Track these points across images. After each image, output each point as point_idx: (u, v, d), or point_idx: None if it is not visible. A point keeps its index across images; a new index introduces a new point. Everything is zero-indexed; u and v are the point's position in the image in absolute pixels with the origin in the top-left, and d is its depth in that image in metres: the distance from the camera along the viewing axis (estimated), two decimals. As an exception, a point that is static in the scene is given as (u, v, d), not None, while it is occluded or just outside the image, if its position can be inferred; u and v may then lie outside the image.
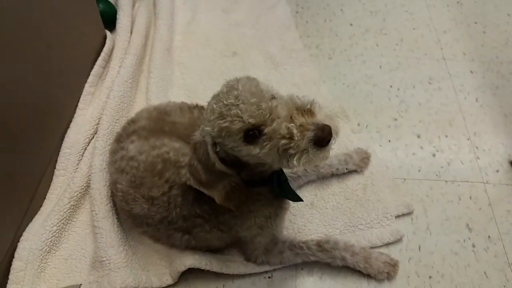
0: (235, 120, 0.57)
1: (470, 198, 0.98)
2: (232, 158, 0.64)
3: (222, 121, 0.58)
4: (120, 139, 0.86)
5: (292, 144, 0.55)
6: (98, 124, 1.03)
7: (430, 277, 0.87)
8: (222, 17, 1.40)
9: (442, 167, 1.04)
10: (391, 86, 1.21)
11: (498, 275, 0.87)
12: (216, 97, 0.62)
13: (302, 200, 0.76)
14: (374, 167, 1.01)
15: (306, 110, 0.57)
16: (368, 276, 0.85)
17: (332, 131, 0.56)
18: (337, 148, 1.05)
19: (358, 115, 1.14)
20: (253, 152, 0.59)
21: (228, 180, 0.65)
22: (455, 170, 1.03)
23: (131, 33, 1.26)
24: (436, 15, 1.41)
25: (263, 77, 1.21)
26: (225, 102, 0.58)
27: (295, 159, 0.56)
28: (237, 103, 0.57)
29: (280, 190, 0.73)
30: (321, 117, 0.57)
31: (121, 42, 1.21)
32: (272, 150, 0.57)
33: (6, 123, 0.79)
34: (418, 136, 1.10)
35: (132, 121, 0.89)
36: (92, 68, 1.13)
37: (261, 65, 1.25)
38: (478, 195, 0.99)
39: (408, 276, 0.86)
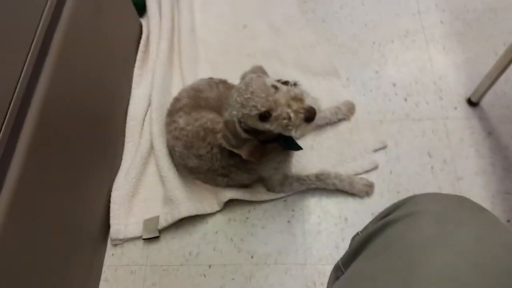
0: (253, 108, 0.90)
1: (432, 131, 1.31)
2: (251, 129, 0.98)
3: (244, 109, 0.91)
4: (171, 114, 1.20)
5: (291, 123, 0.88)
6: (150, 99, 1.38)
7: (398, 192, 1.23)
8: (232, -10, 1.65)
9: (411, 109, 1.35)
10: (373, 43, 1.49)
11: (449, 188, 1.22)
12: (238, 91, 0.93)
13: (302, 149, 1.10)
14: (358, 113, 1.34)
15: (298, 98, 0.89)
16: (353, 194, 1.22)
17: (316, 110, 0.88)
18: (330, 101, 1.36)
19: (347, 71, 1.44)
20: (266, 127, 0.93)
21: (250, 143, 1.00)
22: (422, 110, 1.34)
23: (160, 18, 1.55)
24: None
25: (269, 46, 1.50)
26: (244, 96, 0.90)
27: (293, 131, 0.89)
28: (253, 97, 0.90)
29: (285, 144, 1.07)
30: (308, 101, 0.89)
31: (154, 28, 1.51)
32: (278, 126, 0.90)
33: (90, 109, 1.15)
34: (394, 85, 1.40)
35: (177, 99, 1.22)
36: (136, 54, 1.45)
37: (267, 35, 1.53)
38: (439, 128, 1.31)
39: (382, 192, 1.23)
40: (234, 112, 0.95)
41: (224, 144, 1.03)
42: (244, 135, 0.97)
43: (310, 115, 0.87)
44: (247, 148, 1.01)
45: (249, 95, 0.90)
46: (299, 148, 1.09)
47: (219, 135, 1.09)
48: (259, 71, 1.07)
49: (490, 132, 1.29)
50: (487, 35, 1.47)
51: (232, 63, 1.48)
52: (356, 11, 1.55)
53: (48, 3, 0.96)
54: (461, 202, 0.54)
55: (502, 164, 1.25)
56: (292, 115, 0.87)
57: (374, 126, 1.31)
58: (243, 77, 1.04)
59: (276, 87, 0.92)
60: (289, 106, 0.87)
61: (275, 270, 1.16)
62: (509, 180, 1.22)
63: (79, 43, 1.09)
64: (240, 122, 0.96)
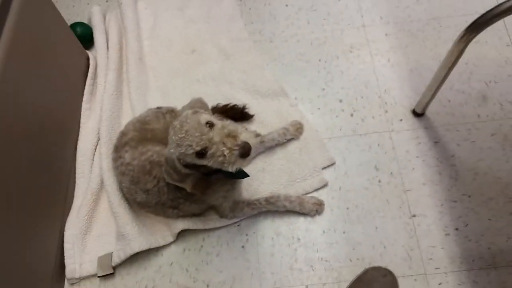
0: (188, 147, 0.91)
1: (378, 145, 1.33)
2: (192, 164, 0.99)
3: (179, 148, 0.92)
4: (117, 150, 1.20)
5: (226, 160, 0.89)
6: (98, 133, 1.38)
7: (347, 208, 1.25)
8: (179, 16, 1.66)
9: (357, 124, 1.37)
10: (319, 60, 1.51)
11: (397, 200, 1.25)
12: (174, 129, 0.94)
13: (248, 176, 1.12)
14: (307, 132, 1.35)
15: (232, 135, 0.89)
16: (304, 213, 1.24)
17: (251, 145, 0.89)
18: (279, 121, 1.38)
19: (295, 90, 1.46)
20: (204, 163, 0.94)
21: (193, 177, 1.01)
22: (367, 125, 1.37)
23: (107, 49, 1.55)
24: (358, -17, 1.65)
25: (218, 69, 1.52)
26: (179, 136, 0.91)
27: (229, 167, 0.90)
28: (187, 136, 0.90)
29: (230, 175, 1.08)
30: (243, 137, 0.89)
31: (101, 60, 1.51)
32: (215, 162, 0.91)
33: (36, 148, 1.15)
34: (340, 101, 1.42)
35: (123, 134, 1.22)
36: (84, 87, 1.45)
37: (216, 58, 1.54)
38: (385, 142, 1.34)
39: (332, 209, 1.25)
40: (172, 150, 0.96)
41: (167, 179, 1.04)
42: (184, 170, 0.98)
43: (244, 151, 0.88)
44: (190, 181, 1.01)
45: (183, 134, 0.91)
46: (245, 176, 1.10)
47: (162, 170, 1.10)
48: (198, 104, 1.08)
49: (436, 141, 1.33)
50: (432, 44, 1.51)
51: (182, 89, 1.49)
52: (301, 30, 1.58)
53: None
54: None
55: (449, 172, 1.28)
56: (226, 152, 0.88)
57: (322, 144, 1.33)
58: (182, 111, 1.05)
59: (211, 124, 0.92)
60: (223, 143, 0.88)
61: (231, 298, 1.17)
62: (456, 188, 1.25)
63: (20, 80, 1.09)
64: (179, 159, 0.97)
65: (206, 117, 0.94)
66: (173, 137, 0.94)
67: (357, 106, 1.41)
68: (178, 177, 1.01)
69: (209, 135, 0.90)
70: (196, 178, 1.02)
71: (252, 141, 0.90)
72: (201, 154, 0.91)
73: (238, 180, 1.17)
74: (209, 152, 0.90)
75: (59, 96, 1.31)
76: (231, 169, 0.90)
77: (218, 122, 0.95)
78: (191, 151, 0.91)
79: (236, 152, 0.88)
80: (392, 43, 1.52)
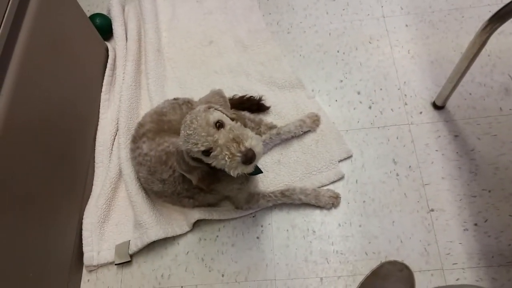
0: (194, 145, 0.90)
1: (397, 138, 1.32)
2: (199, 158, 0.98)
3: (187, 144, 0.92)
4: (135, 140, 1.22)
5: (227, 164, 0.88)
6: (117, 123, 1.40)
7: (364, 201, 1.24)
8: (197, 7, 1.66)
9: (376, 116, 1.36)
10: (338, 51, 1.49)
11: (414, 194, 1.23)
12: (184, 124, 0.94)
13: (261, 172, 1.11)
14: (324, 124, 1.34)
15: (237, 140, 0.87)
16: (319, 206, 1.24)
17: (255, 152, 0.87)
18: (296, 113, 1.38)
19: (312, 82, 1.45)
20: (209, 161, 0.93)
21: (200, 170, 1.01)
22: (386, 117, 1.35)
23: (126, 40, 1.57)
24: (378, -27, 1.62)
25: (235, 60, 1.52)
26: (188, 132, 0.91)
27: (230, 171, 0.89)
28: (194, 134, 0.90)
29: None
30: (248, 143, 0.87)
31: (120, 51, 1.53)
32: (218, 164, 0.91)
33: (57, 138, 1.17)
34: (358, 93, 1.40)
35: (141, 125, 1.24)
36: (103, 78, 1.47)
37: (233, 49, 1.54)
38: (404, 135, 1.32)
39: (348, 203, 1.24)
40: (181, 143, 0.96)
41: (177, 169, 1.05)
42: (192, 163, 0.98)
43: (246, 159, 0.86)
44: (197, 175, 1.01)
45: (191, 132, 0.91)
46: (258, 172, 1.09)
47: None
48: (216, 97, 1.07)
49: (456, 134, 1.30)
50: (453, 35, 1.47)
51: (200, 80, 1.50)
52: (320, 20, 1.56)
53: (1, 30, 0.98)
54: None
55: (469, 167, 1.25)
56: (227, 158, 0.87)
57: (339, 136, 1.32)
58: (198, 103, 1.05)
59: (220, 124, 0.92)
60: (227, 147, 0.87)
61: (246, 288, 1.18)
62: (475, 183, 1.22)
63: (39, 72, 1.11)
64: (187, 152, 0.97)
65: (217, 115, 0.93)
66: (183, 132, 0.94)
67: (375, 98, 1.39)
68: (187, 168, 1.01)
69: (214, 136, 0.89)
70: (202, 172, 1.01)
71: (258, 149, 0.88)
72: (207, 152, 0.91)
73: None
74: (212, 153, 0.90)
75: (79, 86, 1.33)
76: (233, 173, 0.89)
77: (229, 123, 0.94)
78: (196, 149, 0.91)
79: (238, 159, 0.86)
80: (412, 34, 1.49)
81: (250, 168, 0.89)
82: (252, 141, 0.88)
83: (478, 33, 1.03)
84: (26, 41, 1.05)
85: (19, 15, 1.06)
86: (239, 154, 0.86)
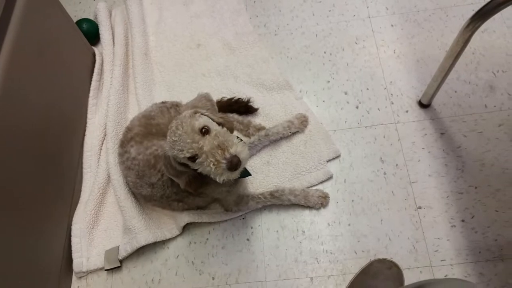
0: (179, 151, 0.90)
1: (384, 137, 1.33)
2: (185, 164, 0.98)
3: (173, 150, 0.92)
4: (123, 145, 1.22)
5: (212, 171, 0.88)
6: (105, 128, 1.40)
7: (352, 200, 1.25)
8: (184, 11, 1.67)
9: (363, 116, 1.37)
10: (325, 52, 1.50)
11: (402, 192, 1.24)
12: (170, 130, 0.93)
13: (250, 175, 1.11)
14: (312, 125, 1.35)
15: (222, 147, 0.88)
16: (309, 206, 1.24)
17: (240, 159, 0.87)
18: (284, 114, 1.38)
19: (300, 83, 1.46)
20: (195, 167, 0.93)
21: (187, 174, 1.01)
22: (373, 117, 1.36)
23: (113, 44, 1.56)
24: (363, -26, 1.63)
25: (223, 63, 1.52)
26: (173, 138, 0.91)
27: (216, 177, 0.89)
28: (179, 141, 0.90)
29: None
30: (233, 150, 0.87)
31: (107, 55, 1.53)
32: (203, 170, 0.91)
33: (43, 143, 1.17)
34: (346, 93, 1.41)
35: (128, 129, 1.24)
36: (90, 83, 1.47)
37: (221, 52, 1.55)
38: (390, 134, 1.33)
39: (337, 202, 1.25)
40: (167, 148, 0.96)
41: (165, 173, 1.05)
42: (179, 168, 0.98)
43: (231, 166, 0.86)
44: (184, 179, 1.02)
45: (176, 138, 0.91)
46: (246, 175, 1.09)
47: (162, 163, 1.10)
48: (203, 100, 1.07)
49: (442, 132, 1.31)
50: (438, 34, 1.49)
51: (188, 83, 1.50)
52: (306, 22, 1.57)
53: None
54: None
55: (455, 164, 1.26)
56: (212, 165, 0.87)
57: (327, 136, 1.33)
58: (185, 108, 1.05)
59: (206, 130, 0.92)
60: (212, 154, 0.87)
61: (237, 290, 1.18)
62: (462, 180, 1.24)
63: (26, 76, 1.11)
64: (174, 158, 0.97)
65: (202, 121, 0.93)
66: (169, 138, 0.94)
67: (362, 98, 1.40)
68: (174, 172, 1.01)
69: (199, 143, 0.89)
70: (190, 176, 1.01)
71: (243, 155, 0.89)
72: (193, 157, 0.91)
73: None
74: (198, 160, 0.90)
75: (66, 92, 1.33)
76: (219, 180, 0.89)
77: (215, 128, 0.94)
78: (181, 156, 0.91)
79: (223, 165, 0.86)
80: (398, 34, 1.51)
81: (235, 174, 0.89)
82: (238, 147, 0.88)
83: (461, 31, 1.04)
84: (12, 46, 1.05)
85: (4, 20, 1.06)
86: (224, 161, 0.86)
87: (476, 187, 1.21)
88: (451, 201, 1.21)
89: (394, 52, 1.47)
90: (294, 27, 1.57)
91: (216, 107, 1.08)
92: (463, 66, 1.40)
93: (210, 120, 0.96)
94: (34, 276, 1.10)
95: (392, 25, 1.52)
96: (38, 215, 1.13)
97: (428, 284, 0.68)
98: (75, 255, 1.23)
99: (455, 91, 1.37)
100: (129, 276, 1.23)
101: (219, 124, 0.98)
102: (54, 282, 1.18)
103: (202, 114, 0.97)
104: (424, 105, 1.36)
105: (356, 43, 1.50)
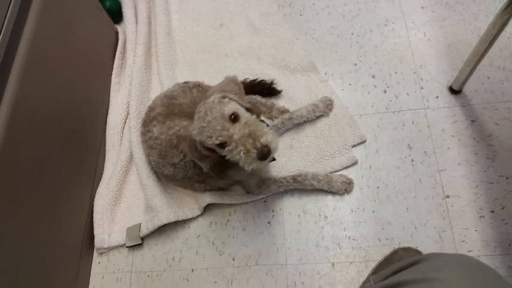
0: (208, 138, 0.89)
1: (412, 123, 1.28)
2: (212, 148, 0.97)
3: (202, 135, 0.90)
4: (146, 124, 1.21)
5: (242, 159, 0.87)
6: (128, 107, 1.39)
7: (377, 187, 1.22)
8: (208, -11, 1.64)
9: (391, 101, 1.33)
10: (352, 34, 1.46)
11: (429, 180, 1.20)
12: (198, 114, 0.92)
13: (274, 159, 1.09)
14: (337, 109, 1.32)
15: (253, 136, 0.86)
16: (332, 192, 1.22)
17: (270, 149, 0.85)
18: (308, 97, 1.35)
19: (326, 65, 1.42)
20: (223, 153, 0.91)
21: (211, 158, 1.00)
22: (402, 102, 1.32)
23: (136, 23, 1.55)
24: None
25: (246, 44, 1.49)
26: (202, 124, 0.89)
27: (245, 166, 0.87)
28: (208, 127, 0.88)
29: None
30: (264, 140, 0.86)
31: (130, 34, 1.51)
32: (232, 158, 0.89)
33: (66, 121, 1.17)
34: (373, 77, 1.37)
35: (151, 108, 1.22)
36: (113, 62, 1.46)
37: (244, 33, 1.52)
38: (419, 120, 1.29)
39: (361, 188, 1.22)
40: (195, 133, 0.94)
41: (189, 155, 1.03)
42: (205, 152, 0.97)
43: (262, 155, 0.85)
44: (208, 163, 1.00)
45: (205, 124, 0.89)
46: (270, 160, 1.07)
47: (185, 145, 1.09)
48: (231, 84, 1.04)
49: (473, 119, 1.26)
50: (471, 18, 1.42)
51: (210, 64, 1.47)
52: (333, 2, 1.52)
53: (9, 14, 0.97)
54: (483, 272, 0.57)
55: (486, 153, 1.22)
56: (242, 153, 0.86)
57: (353, 121, 1.30)
58: (212, 91, 1.02)
59: (235, 117, 0.90)
60: (242, 143, 0.86)
61: (256, 272, 1.17)
62: (492, 169, 1.19)
63: (48, 55, 1.10)
64: (200, 142, 0.96)
65: (232, 107, 0.91)
66: (196, 123, 0.92)
67: (391, 82, 1.35)
68: (198, 155, 1.00)
69: (229, 131, 0.87)
70: (214, 160, 1.00)
71: (273, 145, 0.87)
72: (222, 144, 0.89)
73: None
74: (227, 148, 0.88)
75: (89, 70, 1.32)
76: (247, 168, 0.87)
77: (244, 115, 0.91)
78: (210, 142, 0.89)
79: (254, 155, 0.85)
80: (428, 16, 1.45)
81: (265, 164, 0.88)
82: (268, 137, 0.86)
83: (498, 13, 0.99)
84: (35, 25, 1.04)
85: (26, -1, 1.05)
86: (254, 151, 0.84)
87: (507, 177, 1.17)
88: (481, 191, 1.17)
89: (425, 35, 1.41)
90: (321, 7, 1.52)
91: (243, 91, 1.05)
92: (497, 52, 1.34)
93: (239, 106, 0.94)
94: (56, 250, 1.11)
95: (422, 7, 1.47)
96: (61, 191, 1.14)
97: (427, 257, 0.65)
98: (97, 231, 1.23)
99: (488, 77, 1.31)
100: (150, 254, 1.23)
101: (247, 109, 0.96)
102: (76, 257, 1.19)
103: (230, 99, 0.94)
104: (455, 91, 1.31)
105: (385, 25, 1.45)
